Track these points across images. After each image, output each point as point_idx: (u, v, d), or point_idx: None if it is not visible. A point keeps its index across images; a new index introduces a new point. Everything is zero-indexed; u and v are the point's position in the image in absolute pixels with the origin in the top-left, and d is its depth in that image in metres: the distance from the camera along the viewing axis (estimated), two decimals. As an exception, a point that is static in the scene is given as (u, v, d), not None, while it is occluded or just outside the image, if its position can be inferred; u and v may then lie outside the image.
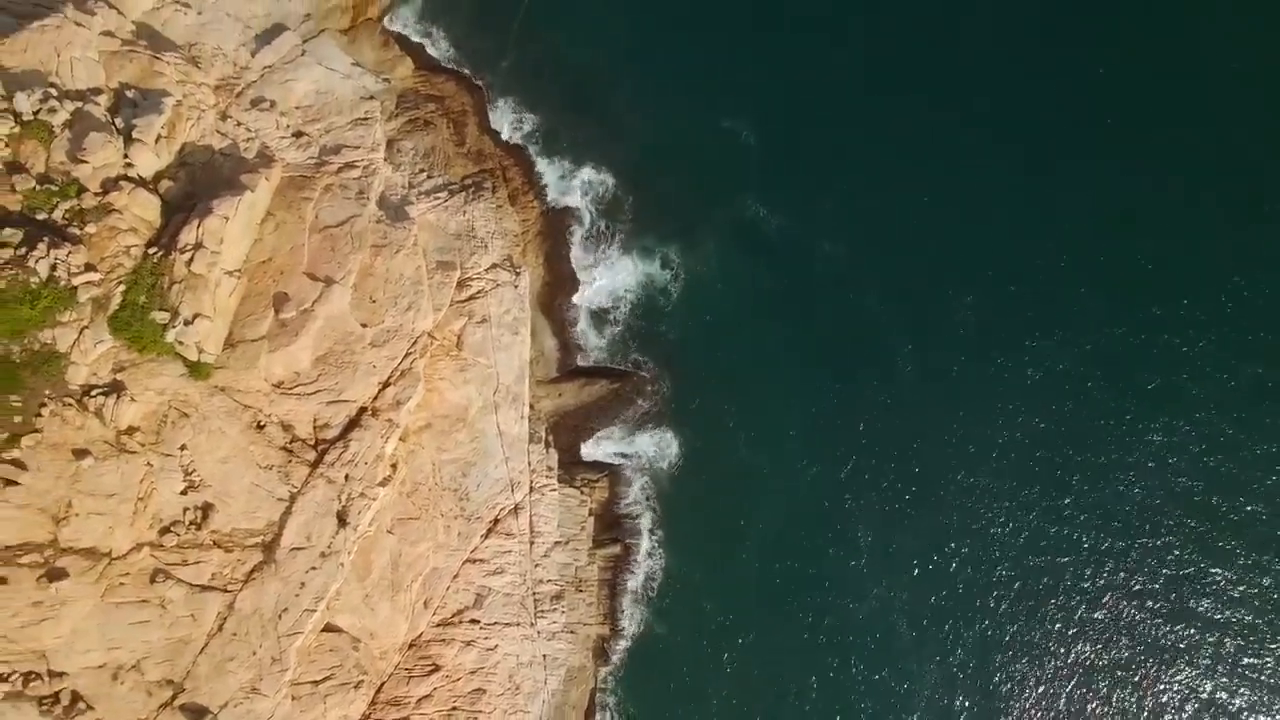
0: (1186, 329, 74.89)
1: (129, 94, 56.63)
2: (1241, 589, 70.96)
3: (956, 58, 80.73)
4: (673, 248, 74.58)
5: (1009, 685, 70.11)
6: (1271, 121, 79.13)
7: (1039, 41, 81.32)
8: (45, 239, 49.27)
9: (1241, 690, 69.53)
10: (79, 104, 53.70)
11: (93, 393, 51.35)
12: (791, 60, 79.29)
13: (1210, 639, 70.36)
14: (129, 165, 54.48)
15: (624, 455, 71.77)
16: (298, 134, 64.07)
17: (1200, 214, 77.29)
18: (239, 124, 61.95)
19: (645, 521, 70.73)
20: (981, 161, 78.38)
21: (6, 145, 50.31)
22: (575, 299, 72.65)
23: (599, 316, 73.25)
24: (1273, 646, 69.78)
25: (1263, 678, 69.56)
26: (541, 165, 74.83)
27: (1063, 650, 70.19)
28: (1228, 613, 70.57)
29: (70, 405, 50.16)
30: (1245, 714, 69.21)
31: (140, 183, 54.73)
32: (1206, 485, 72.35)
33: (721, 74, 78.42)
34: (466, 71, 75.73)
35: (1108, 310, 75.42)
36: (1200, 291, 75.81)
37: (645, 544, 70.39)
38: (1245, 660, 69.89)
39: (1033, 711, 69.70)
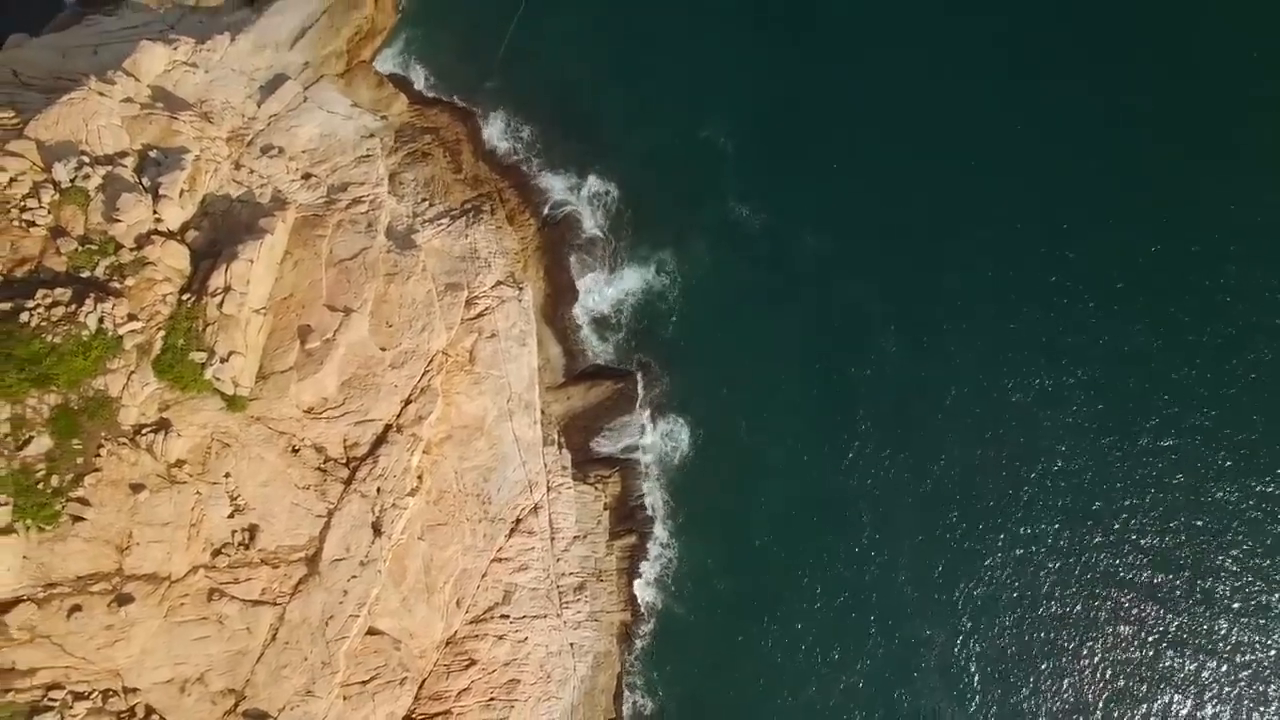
0: (1165, 307, 78.52)
1: (152, 154, 59.42)
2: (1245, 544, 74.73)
3: (915, 47, 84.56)
4: (665, 252, 77.62)
5: (1006, 639, 73.08)
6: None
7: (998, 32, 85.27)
8: (91, 295, 51.93)
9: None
10: (109, 168, 56.34)
11: (143, 431, 53.87)
12: (757, 69, 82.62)
13: (1211, 606, 73.48)
14: (158, 220, 57.11)
15: (633, 450, 74.47)
16: (306, 176, 66.67)
17: (1185, 201, 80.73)
18: (252, 171, 64.47)
19: (657, 511, 73.69)
20: (952, 140, 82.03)
21: (49, 212, 53.15)
22: (576, 308, 75.61)
23: (599, 322, 76.20)
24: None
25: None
26: (535, 184, 77.67)
27: (1056, 604, 73.49)
28: (1235, 583, 73.87)
29: (124, 444, 52.61)
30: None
31: (170, 235, 57.39)
32: (1203, 440, 75.59)
33: (695, 87, 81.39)
34: (457, 101, 78.70)
35: (1083, 281, 79.03)
36: (1183, 278, 79.12)
37: (659, 532, 73.28)
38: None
39: (1034, 663, 72.66)
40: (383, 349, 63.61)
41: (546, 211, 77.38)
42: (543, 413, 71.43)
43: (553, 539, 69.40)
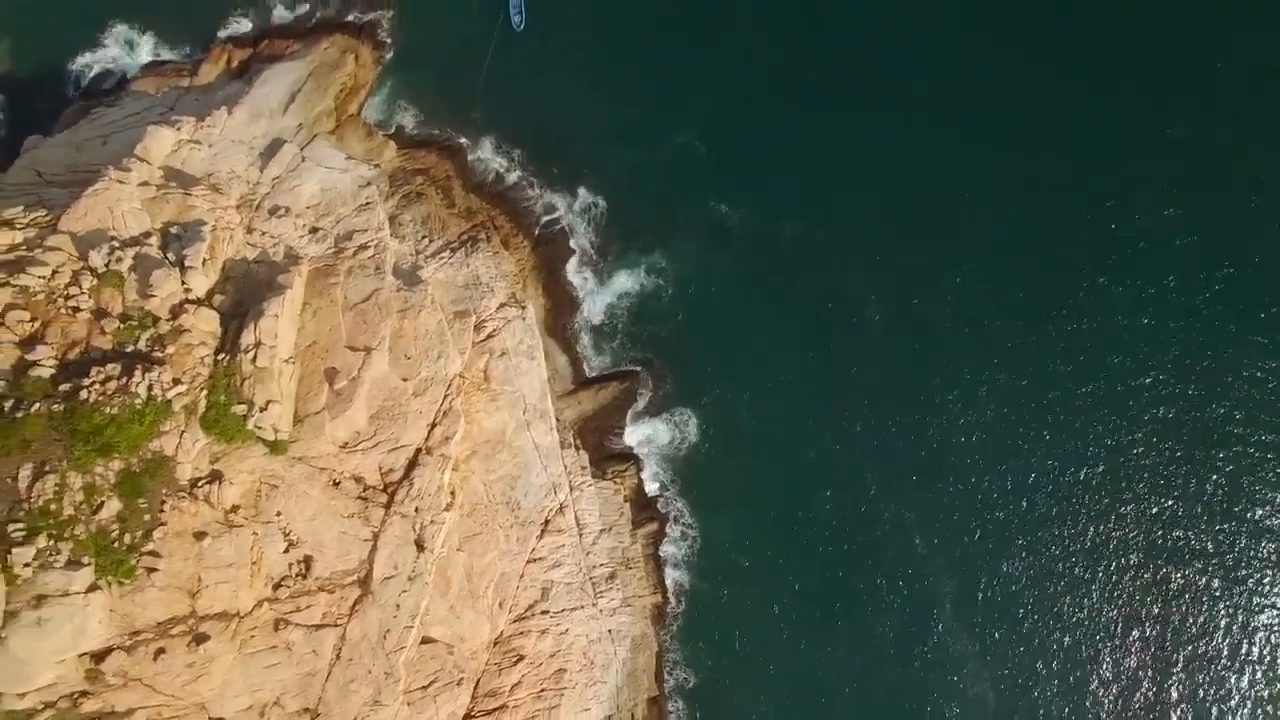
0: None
1: (173, 230, 62.92)
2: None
3: (872, 35, 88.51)
4: (654, 255, 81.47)
5: (1016, 579, 77.78)
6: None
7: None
8: (138, 366, 55.50)
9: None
10: (137, 248, 59.87)
11: (199, 484, 57.19)
12: (723, 74, 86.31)
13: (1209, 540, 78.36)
14: (187, 290, 60.54)
15: (646, 442, 78.56)
16: (313, 230, 70.10)
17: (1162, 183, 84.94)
18: (263, 233, 67.80)
19: (675, 497, 77.63)
20: (914, 118, 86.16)
21: (90, 297, 56.85)
22: (576, 318, 79.64)
23: (600, 329, 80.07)
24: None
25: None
26: (525, 207, 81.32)
27: (1058, 541, 78.27)
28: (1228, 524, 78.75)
29: (184, 497, 56.13)
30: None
31: (199, 302, 60.81)
32: (1185, 407, 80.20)
33: (666, 98, 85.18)
34: (444, 138, 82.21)
35: (1056, 240, 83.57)
36: (1167, 240, 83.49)
37: (679, 516, 77.28)
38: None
39: (1047, 595, 77.34)
40: (404, 380, 66.77)
41: (538, 231, 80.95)
42: (557, 419, 74.92)
43: (580, 535, 73.22)
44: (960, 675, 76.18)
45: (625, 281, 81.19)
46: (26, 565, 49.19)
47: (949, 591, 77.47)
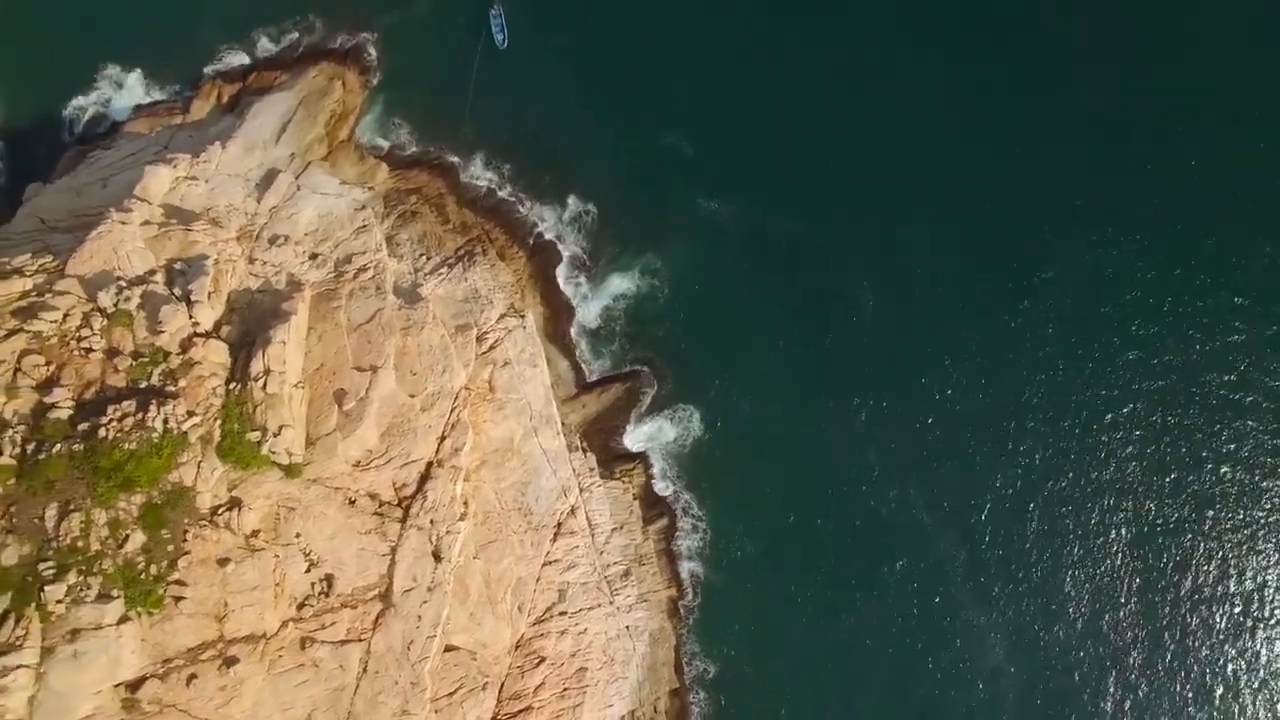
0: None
1: (177, 266, 64.03)
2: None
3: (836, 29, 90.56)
4: (647, 256, 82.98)
5: (1019, 540, 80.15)
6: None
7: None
8: (153, 401, 56.60)
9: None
10: (143, 287, 60.92)
11: (219, 511, 58.19)
12: (700, 75, 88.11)
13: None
14: (195, 323, 61.51)
15: (651, 440, 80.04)
16: (313, 256, 71.16)
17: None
18: (265, 263, 68.69)
19: (682, 491, 79.11)
20: (887, 105, 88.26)
21: (102, 337, 57.95)
22: (574, 323, 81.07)
23: (598, 332, 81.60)
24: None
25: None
26: (518, 218, 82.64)
27: (1059, 501, 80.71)
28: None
29: (205, 525, 57.14)
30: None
31: (207, 334, 61.89)
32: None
33: (648, 103, 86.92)
34: (435, 157, 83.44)
35: (1032, 211, 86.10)
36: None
37: (688, 510, 78.79)
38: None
39: (1053, 551, 79.92)
40: (411, 396, 67.94)
41: (532, 241, 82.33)
42: (563, 423, 76.25)
43: (593, 535, 74.66)
44: (974, 642, 78.06)
45: (620, 284, 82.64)
46: (59, 602, 50.51)
47: (959, 561, 79.38)
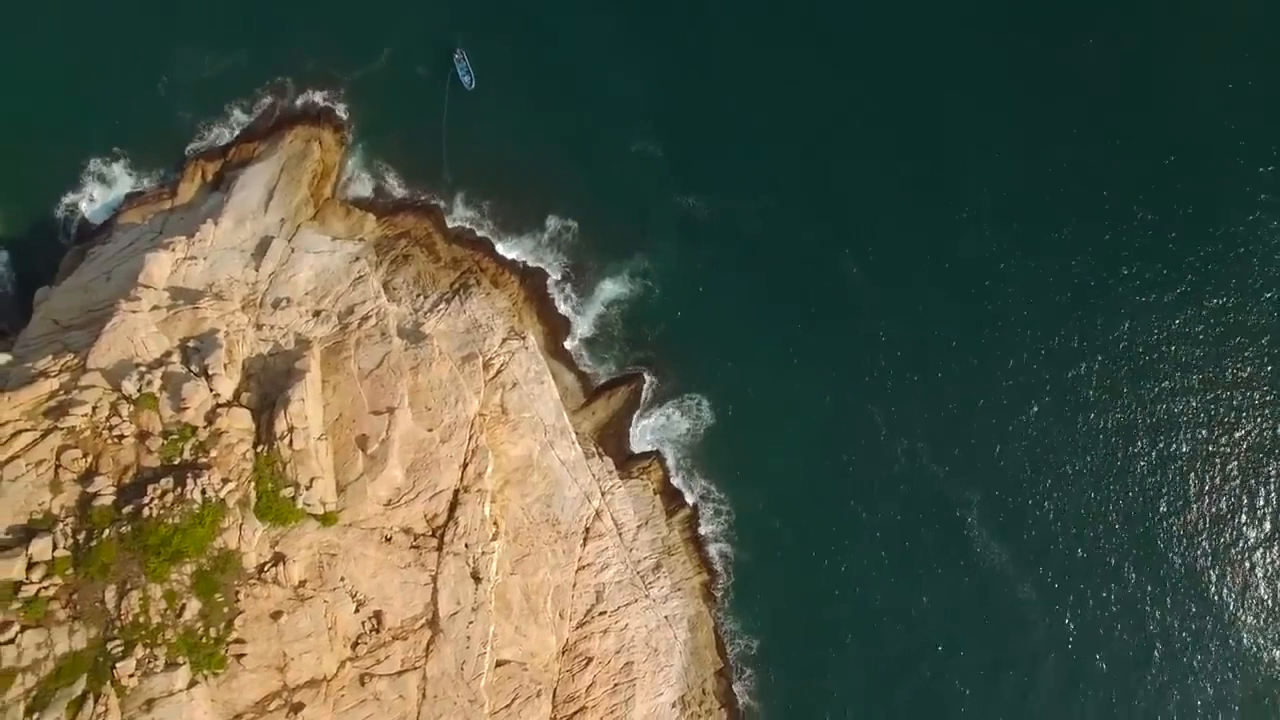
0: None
1: (190, 344, 66.22)
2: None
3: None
4: (635, 260, 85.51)
5: (1031, 481, 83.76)
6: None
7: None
8: (189, 475, 59.34)
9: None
10: (162, 369, 63.37)
11: (265, 568, 60.58)
12: (661, 78, 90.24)
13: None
14: (216, 395, 64.04)
15: (663, 434, 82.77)
16: (316, 313, 73.49)
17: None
18: (272, 327, 71.17)
19: (700, 478, 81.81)
20: (853, 88, 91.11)
21: (130, 422, 60.86)
22: (574, 335, 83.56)
23: (597, 340, 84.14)
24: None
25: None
26: (504, 246, 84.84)
27: (1065, 441, 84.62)
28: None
29: (255, 583, 59.98)
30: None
31: (229, 404, 64.57)
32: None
33: (614, 113, 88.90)
34: (417, 200, 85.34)
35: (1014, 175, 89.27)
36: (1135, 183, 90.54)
37: (708, 495, 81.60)
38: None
39: (1062, 487, 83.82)
40: (429, 430, 70.22)
41: (522, 265, 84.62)
42: (577, 433, 79.05)
43: (620, 534, 77.53)
44: (995, 578, 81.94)
45: (613, 289, 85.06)
46: (131, 675, 53.62)
47: (973, 504, 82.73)
